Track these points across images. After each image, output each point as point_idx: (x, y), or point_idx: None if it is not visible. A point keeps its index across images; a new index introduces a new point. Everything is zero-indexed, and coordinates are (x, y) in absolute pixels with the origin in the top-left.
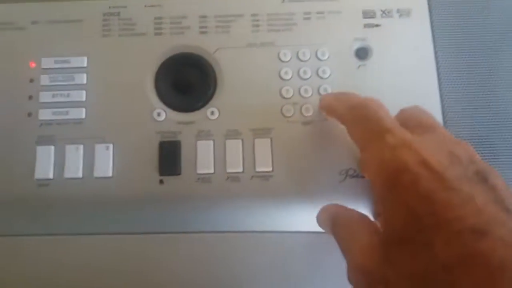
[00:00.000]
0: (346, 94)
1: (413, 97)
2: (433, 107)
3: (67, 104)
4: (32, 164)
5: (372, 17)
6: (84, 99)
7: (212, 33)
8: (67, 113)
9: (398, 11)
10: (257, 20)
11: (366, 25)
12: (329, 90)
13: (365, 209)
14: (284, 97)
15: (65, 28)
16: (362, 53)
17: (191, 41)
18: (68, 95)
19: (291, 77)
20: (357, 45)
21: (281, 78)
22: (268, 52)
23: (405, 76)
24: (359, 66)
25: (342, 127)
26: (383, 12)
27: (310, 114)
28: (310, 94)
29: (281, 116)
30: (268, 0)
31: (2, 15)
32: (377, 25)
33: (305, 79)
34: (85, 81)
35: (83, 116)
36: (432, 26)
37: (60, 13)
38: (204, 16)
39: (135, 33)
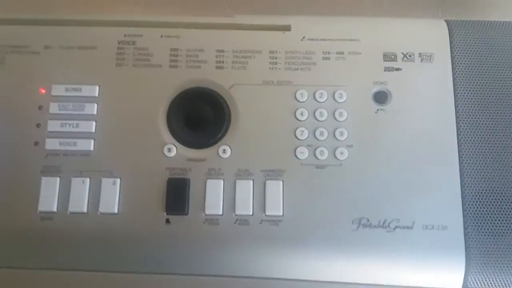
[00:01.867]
0: None
1: (430, 143)
2: (451, 154)
3: (76, 135)
4: (36, 195)
5: (393, 60)
6: (93, 130)
7: (229, 68)
8: (75, 144)
9: (420, 55)
10: (275, 58)
11: (387, 68)
12: (345, 134)
13: (377, 261)
14: (298, 138)
15: (78, 54)
16: (380, 97)
17: (206, 75)
18: (77, 125)
19: (307, 118)
20: (376, 88)
21: (296, 118)
22: (284, 91)
23: (424, 122)
24: (377, 110)
25: (357, 173)
26: (405, 55)
27: (324, 157)
28: (325, 136)
29: (294, 158)
30: (287, 37)
31: (16, 38)
32: (397, 69)
33: (321, 121)
34: (95, 112)
35: (91, 148)
36: (453, 72)
37: (74, 38)
38: (221, 51)
39: (150, 64)
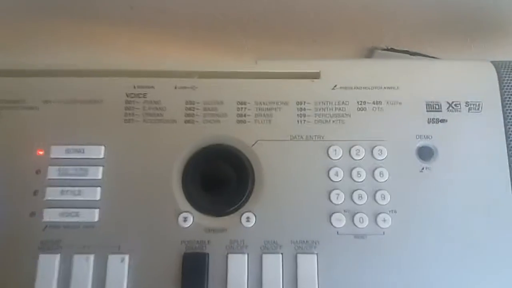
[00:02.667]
0: None
1: (484, 205)
2: (508, 217)
3: (78, 203)
4: (33, 275)
5: (438, 110)
6: (98, 198)
7: (252, 123)
8: (77, 214)
9: (467, 104)
10: (304, 109)
11: (431, 120)
12: (388, 197)
13: None
14: (333, 203)
15: (80, 109)
16: (425, 153)
17: (227, 131)
18: (79, 193)
19: (342, 178)
20: (420, 143)
21: (330, 179)
22: (315, 148)
23: (475, 180)
24: (422, 169)
25: (403, 243)
26: (450, 105)
27: (364, 225)
28: (364, 200)
29: (329, 226)
30: (316, 85)
31: (12, 92)
32: (442, 121)
33: (358, 182)
34: (100, 176)
35: (96, 219)
36: (505, 123)
37: (76, 91)
38: (243, 103)
39: (163, 119)
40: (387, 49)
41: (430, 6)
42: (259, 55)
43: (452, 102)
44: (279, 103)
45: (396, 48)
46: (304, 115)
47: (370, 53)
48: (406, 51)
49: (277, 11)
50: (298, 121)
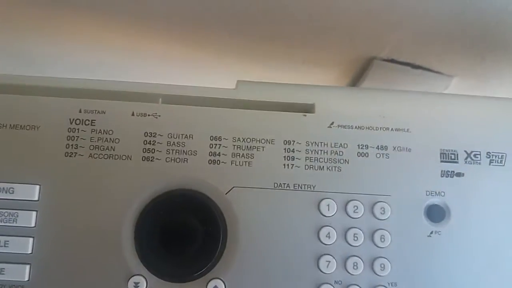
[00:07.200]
0: None
1: (507, 279)
2: None
3: (4, 258)
4: None
5: (454, 161)
6: (29, 251)
7: (227, 164)
8: (2, 271)
9: (488, 155)
10: (292, 151)
11: (444, 173)
12: (388, 266)
13: None
14: (322, 272)
15: (10, 138)
16: (436, 214)
17: (195, 173)
18: (6, 244)
19: (335, 240)
20: (430, 201)
21: (320, 241)
22: (304, 200)
23: (496, 251)
24: (431, 233)
25: None
26: (469, 155)
27: None
28: (360, 270)
29: None
30: (309, 121)
31: None
32: (459, 174)
33: (354, 246)
34: (33, 223)
35: (26, 277)
36: None
37: (5, 113)
38: (218, 138)
39: (115, 154)
40: (388, 60)
41: (443, 17)
42: (242, 55)
43: (471, 152)
44: (263, 141)
45: (397, 59)
46: (293, 158)
47: (368, 63)
48: (408, 63)
49: (266, 9)
50: (285, 165)
